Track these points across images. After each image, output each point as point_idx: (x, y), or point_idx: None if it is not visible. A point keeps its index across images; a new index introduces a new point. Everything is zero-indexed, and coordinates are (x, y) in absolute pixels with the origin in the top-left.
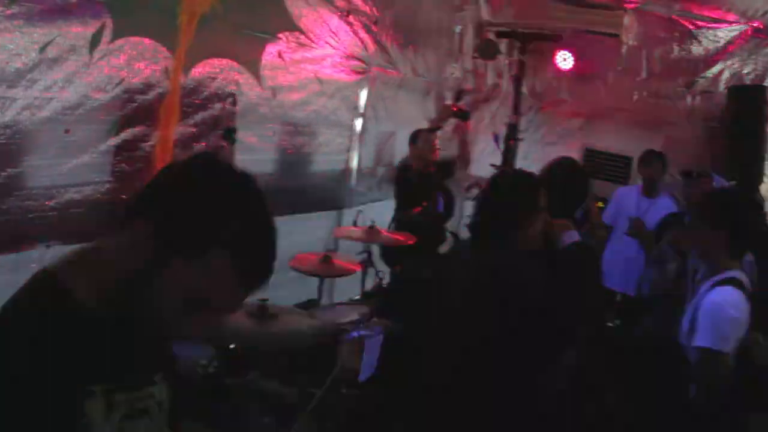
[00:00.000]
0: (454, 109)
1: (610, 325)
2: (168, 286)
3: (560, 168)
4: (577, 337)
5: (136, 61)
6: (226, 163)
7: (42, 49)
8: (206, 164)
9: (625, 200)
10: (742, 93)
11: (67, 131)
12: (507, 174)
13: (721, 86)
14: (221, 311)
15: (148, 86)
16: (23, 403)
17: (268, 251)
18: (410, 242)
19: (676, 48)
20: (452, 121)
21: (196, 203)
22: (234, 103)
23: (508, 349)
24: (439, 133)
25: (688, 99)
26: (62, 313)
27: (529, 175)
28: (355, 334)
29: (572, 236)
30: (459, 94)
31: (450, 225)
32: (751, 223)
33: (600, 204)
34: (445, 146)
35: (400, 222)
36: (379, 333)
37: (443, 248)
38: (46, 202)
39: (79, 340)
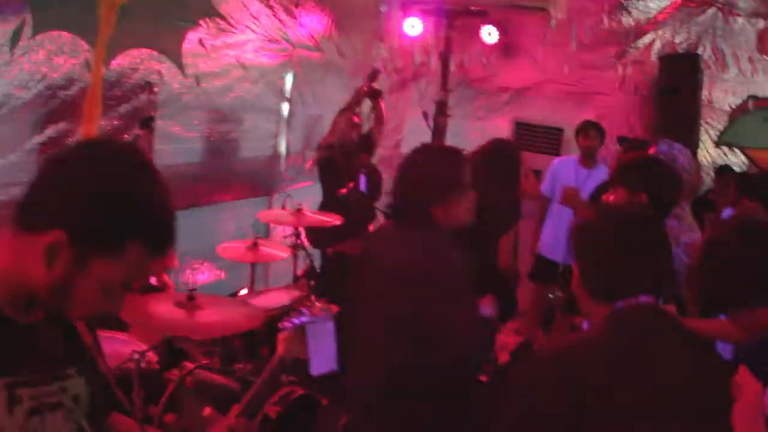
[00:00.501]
0: (365, 89)
1: (550, 296)
2: (88, 285)
3: (486, 150)
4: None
5: (56, 56)
6: (105, 144)
7: None
8: (92, 155)
9: (562, 171)
10: (674, 61)
11: None
12: (425, 148)
13: (653, 55)
14: (136, 285)
15: (69, 81)
16: None
17: (171, 217)
18: (337, 223)
19: (605, 20)
20: (367, 101)
21: (107, 204)
22: (152, 92)
23: (428, 330)
24: (357, 110)
25: (619, 69)
26: None
27: (451, 149)
28: (296, 320)
29: None
30: (373, 75)
31: (380, 204)
32: (666, 188)
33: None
34: (364, 125)
35: (327, 204)
36: (326, 320)
37: (372, 227)
38: None
39: None
